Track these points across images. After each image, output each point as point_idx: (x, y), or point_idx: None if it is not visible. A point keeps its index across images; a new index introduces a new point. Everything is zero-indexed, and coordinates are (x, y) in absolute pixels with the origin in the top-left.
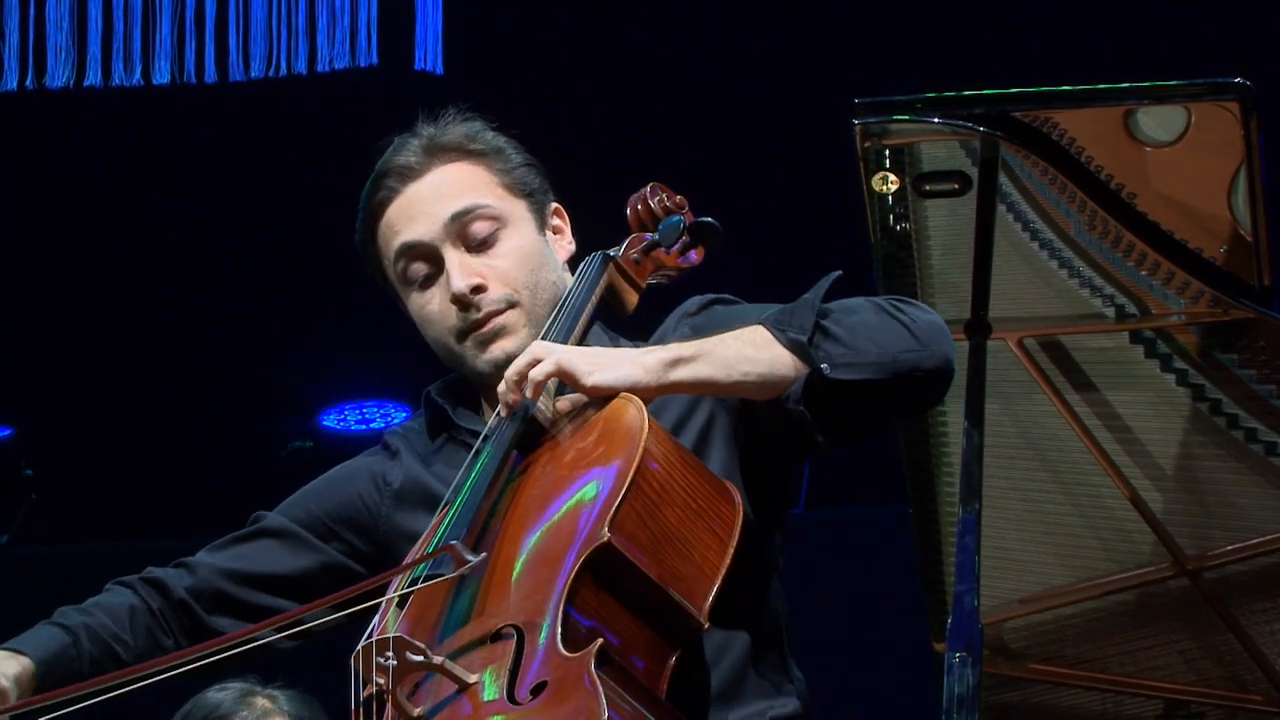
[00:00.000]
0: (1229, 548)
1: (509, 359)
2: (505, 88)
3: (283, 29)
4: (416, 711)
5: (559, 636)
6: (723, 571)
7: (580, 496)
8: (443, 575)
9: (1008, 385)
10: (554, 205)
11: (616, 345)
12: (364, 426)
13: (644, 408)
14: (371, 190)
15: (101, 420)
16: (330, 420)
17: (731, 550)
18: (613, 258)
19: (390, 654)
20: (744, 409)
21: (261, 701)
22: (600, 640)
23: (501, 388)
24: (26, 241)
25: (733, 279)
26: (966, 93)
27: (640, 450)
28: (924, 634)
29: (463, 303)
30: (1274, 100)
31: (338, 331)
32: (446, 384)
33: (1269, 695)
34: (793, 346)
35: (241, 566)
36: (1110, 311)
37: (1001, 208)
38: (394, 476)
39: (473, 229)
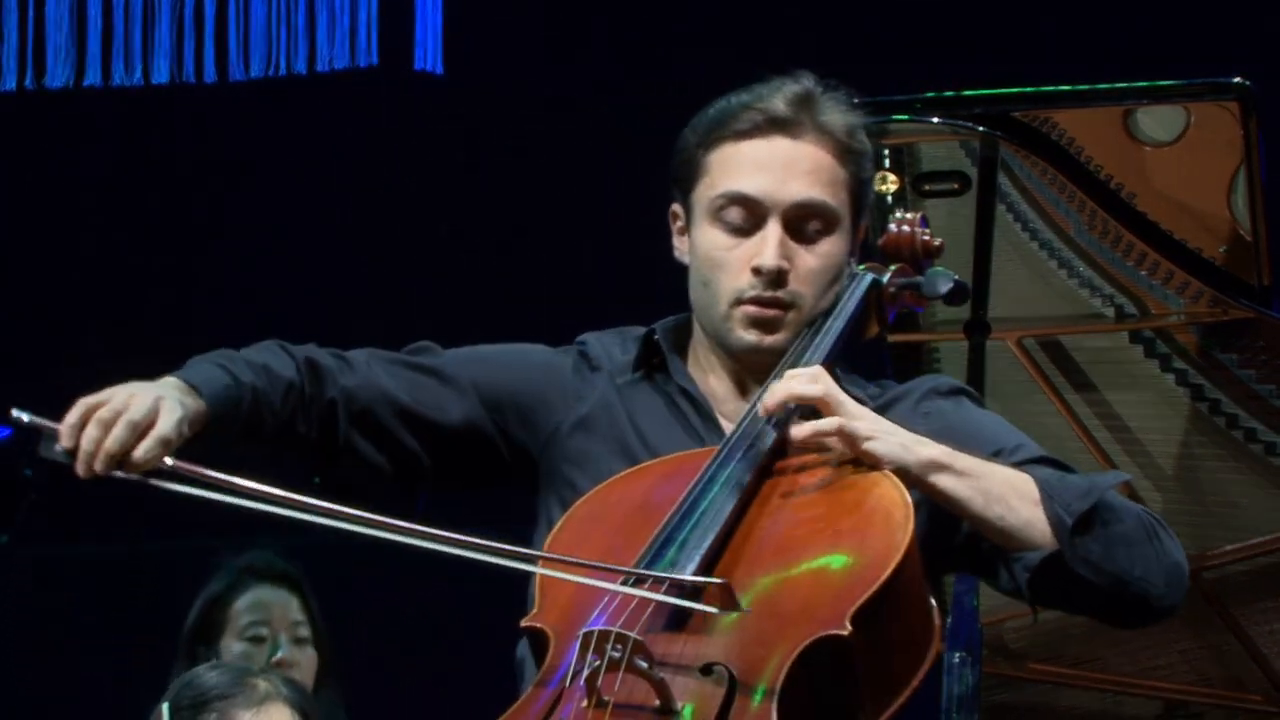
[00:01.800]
0: (1228, 548)
1: (765, 351)
2: (505, 88)
3: (282, 29)
4: (611, 699)
5: (775, 710)
6: (907, 695)
7: (826, 563)
8: (693, 606)
9: (1007, 385)
10: (865, 224)
11: (850, 377)
12: None
13: (910, 502)
14: (737, 110)
15: None
16: None
17: (921, 675)
18: (880, 284)
19: (622, 650)
20: (950, 520)
21: (261, 686)
22: None
23: (770, 400)
24: (25, 241)
25: None
26: (966, 92)
27: (903, 552)
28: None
29: (763, 276)
30: (1274, 100)
31: (335, 330)
32: (669, 329)
33: (1268, 694)
34: (1055, 523)
35: (403, 397)
36: (1110, 311)
37: (1001, 208)
38: (587, 392)
39: (806, 220)
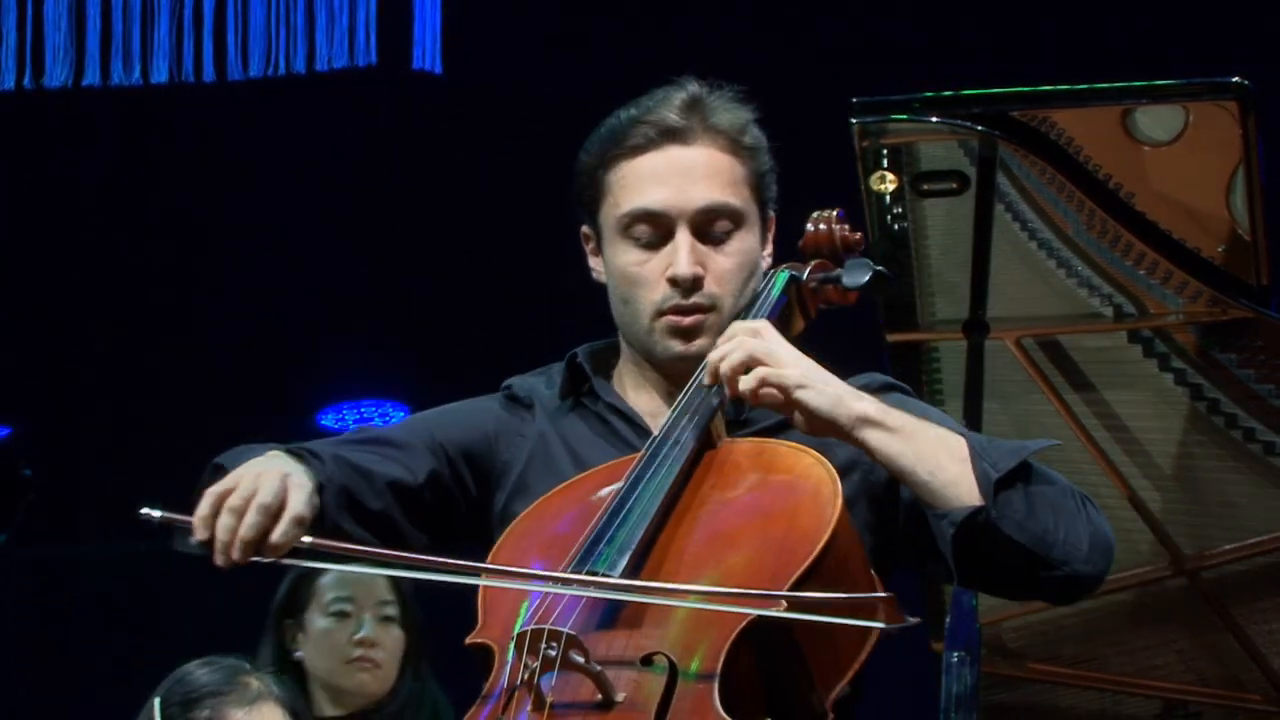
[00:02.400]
0: (1227, 547)
1: (691, 358)
2: (503, 88)
3: (281, 28)
4: (551, 699)
5: (717, 695)
6: (855, 668)
7: (759, 546)
8: (606, 586)
9: (1006, 385)
10: (773, 215)
11: None
12: None
13: (838, 478)
14: (628, 126)
15: (99, 420)
16: (328, 420)
17: (868, 649)
18: (798, 280)
19: (556, 646)
20: (889, 501)
21: (253, 685)
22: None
23: (715, 356)
24: (25, 241)
25: None
26: (965, 92)
27: (832, 527)
28: (923, 633)
29: (680, 285)
30: (1273, 100)
31: (336, 331)
32: (593, 351)
33: (1267, 694)
34: (981, 477)
35: (376, 470)
36: (1108, 311)
37: (1000, 207)
38: (526, 430)
39: (713, 223)
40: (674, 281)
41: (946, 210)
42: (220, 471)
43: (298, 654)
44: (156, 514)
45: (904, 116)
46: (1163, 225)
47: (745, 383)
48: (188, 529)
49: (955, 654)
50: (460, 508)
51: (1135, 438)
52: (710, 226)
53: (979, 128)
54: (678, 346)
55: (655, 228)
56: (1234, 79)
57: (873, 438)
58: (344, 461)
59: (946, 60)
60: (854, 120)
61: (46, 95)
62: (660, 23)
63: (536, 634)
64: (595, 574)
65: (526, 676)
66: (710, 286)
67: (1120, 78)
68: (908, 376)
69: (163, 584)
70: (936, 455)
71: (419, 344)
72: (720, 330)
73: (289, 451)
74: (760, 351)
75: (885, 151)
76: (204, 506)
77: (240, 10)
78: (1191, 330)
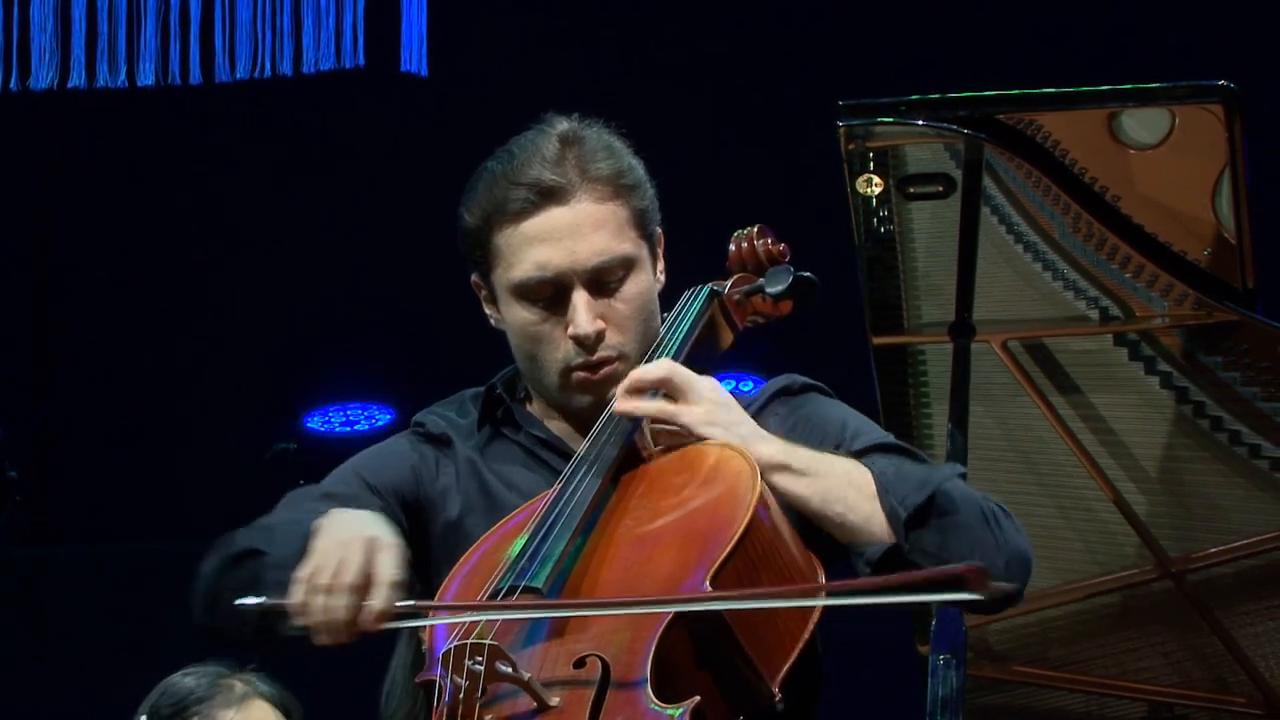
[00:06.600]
0: (1213, 550)
1: (605, 404)
2: (490, 90)
3: (268, 30)
4: (487, 716)
5: (648, 685)
6: (800, 646)
7: (682, 541)
8: (533, 608)
9: (992, 388)
10: (659, 235)
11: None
12: (348, 428)
13: (755, 464)
14: (506, 190)
15: (85, 423)
16: (314, 422)
17: (812, 625)
18: (719, 294)
19: (481, 659)
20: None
21: (238, 685)
22: (697, 699)
23: (619, 404)
24: (11, 243)
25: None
26: (950, 95)
27: (751, 509)
28: (908, 636)
29: (583, 343)
30: (1257, 103)
31: (322, 333)
32: (506, 380)
33: (1252, 697)
34: (891, 516)
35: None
36: (1094, 314)
37: (986, 210)
38: (446, 466)
39: (606, 276)
40: (577, 340)
41: (932, 213)
42: (250, 556)
43: (425, 646)
44: (252, 602)
45: (890, 119)
46: (1148, 228)
47: (649, 421)
48: (286, 613)
49: (941, 656)
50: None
51: (1121, 440)
52: (604, 278)
53: (965, 130)
54: (589, 399)
55: (551, 288)
56: (1220, 82)
57: (780, 481)
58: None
59: (933, 62)
60: (840, 123)
61: (32, 97)
62: (646, 28)
63: (460, 650)
64: (518, 588)
65: (462, 697)
66: (613, 337)
67: (1106, 80)
68: (893, 379)
69: (147, 586)
70: (845, 494)
71: (405, 346)
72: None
73: (280, 522)
74: (675, 381)
75: (871, 154)
76: (297, 593)
77: (227, 12)
78: (1177, 333)
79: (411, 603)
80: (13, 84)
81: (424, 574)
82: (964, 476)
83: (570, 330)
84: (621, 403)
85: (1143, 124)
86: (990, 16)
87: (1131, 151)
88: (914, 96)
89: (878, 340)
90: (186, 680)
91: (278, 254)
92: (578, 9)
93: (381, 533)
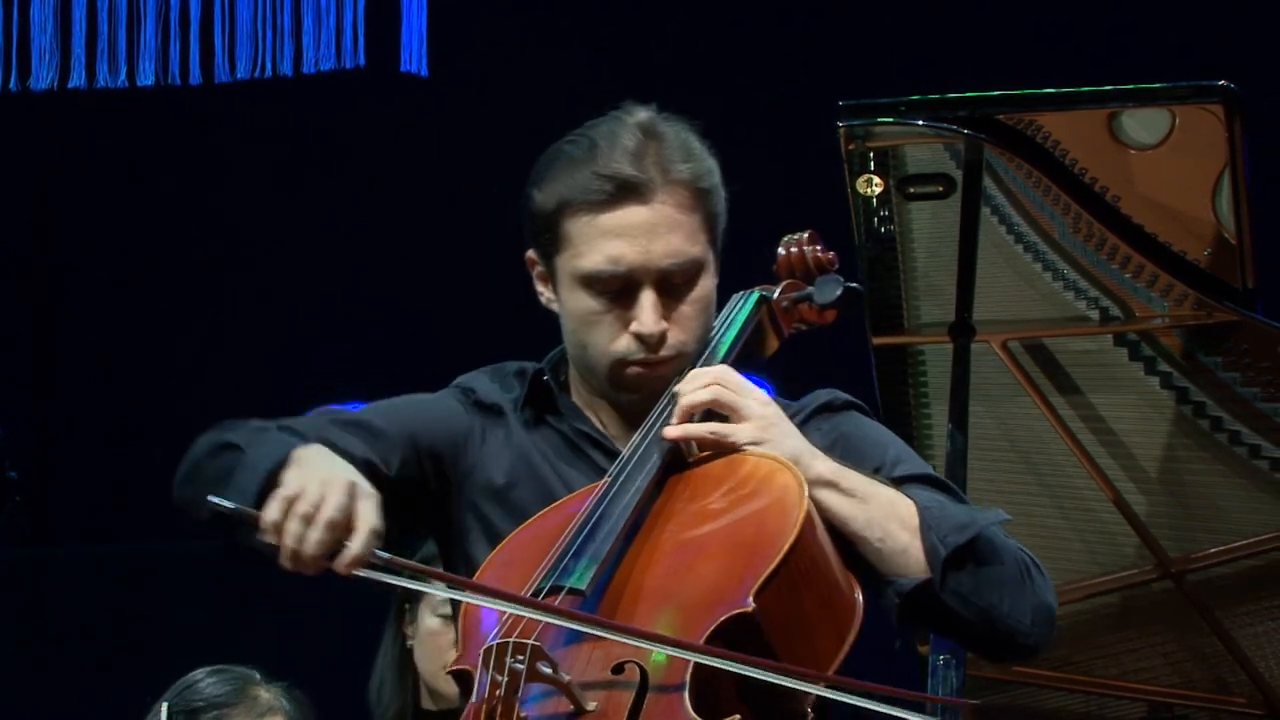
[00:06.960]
0: (1212, 550)
1: (653, 399)
2: (490, 90)
3: (268, 30)
4: (524, 715)
5: (687, 698)
6: (835, 666)
7: (727, 551)
8: (533, 608)
9: (992, 388)
10: (721, 233)
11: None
12: None
13: (804, 479)
14: (586, 178)
15: (86, 422)
16: None
17: (847, 646)
18: (768, 300)
19: (523, 659)
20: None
21: (265, 696)
22: (738, 716)
23: (671, 432)
24: (11, 243)
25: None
26: (950, 95)
27: (800, 524)
28: (909, 636)
29: (646, 341)
30: (1257, 103)
31: (322, 333)
32: (553, 366)
33: (1252, 697)
34: (930, 552)
35: (352, 450)
36: (1094, 314)
37: (986, 210)
38: (495, 432)
39: (676, 277)
40: (640, 338)
41: (932, 213)
42: (230, 449)
43: (410, 642)
44: (229, 505)
45: (890, 120)
46: (1148, 228)
47: (701, 434)
48: (256, 523)
49: (941, 656)
50: (421, 503)
51: (1121, 441)
52: (673, 279)
53: (965, 131)
54: (637, 395)
55: (619, 282)
56: (1220, 82)
57: (826, 497)
58: (328, 443)
59: (933, 63)
60: (840, 124)
61: (32, 98)
62: (646, 24)
63: (502, 647)
64: (562, 588)
65: (501, 695)
66: (675, 337)
67: (1107, 80)
68: (894, 379)
69: (147, 587)
70: (887, 522)
71: (405, 344)
72: (684, 367)
73: (282, 427)
74: (724, 400)
75: (871, 155)
76: (273, 510)
77: (227, 12)
78: (1177, 333)
79: (388, 556)
80: (13, 84)
81: (439, 530)
82: (1003, 522)
83: (634, 327)
84: (672, 431)
85: (1143, 124)
86: (990, 16)
87: (1132, 151)
88: (914, 96)
89: (877, 340)
90: (210, 682)
91: (278, 254)
92: (578, 9)
93: (363, 482)
